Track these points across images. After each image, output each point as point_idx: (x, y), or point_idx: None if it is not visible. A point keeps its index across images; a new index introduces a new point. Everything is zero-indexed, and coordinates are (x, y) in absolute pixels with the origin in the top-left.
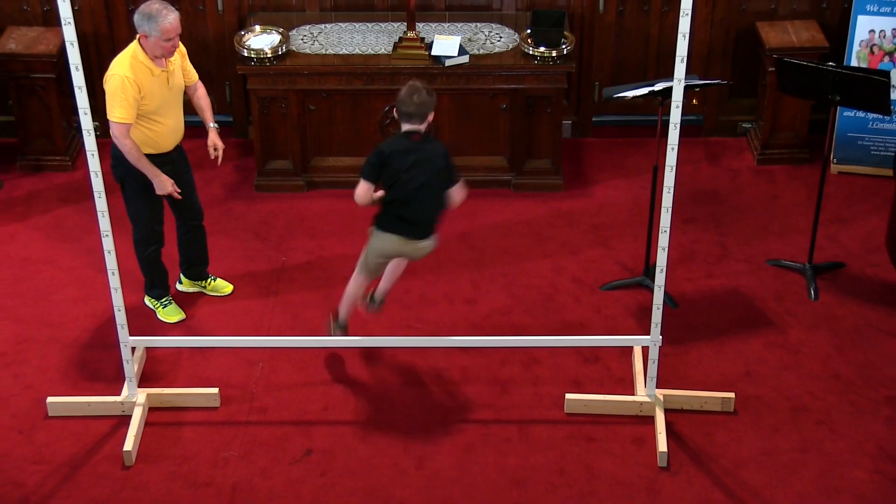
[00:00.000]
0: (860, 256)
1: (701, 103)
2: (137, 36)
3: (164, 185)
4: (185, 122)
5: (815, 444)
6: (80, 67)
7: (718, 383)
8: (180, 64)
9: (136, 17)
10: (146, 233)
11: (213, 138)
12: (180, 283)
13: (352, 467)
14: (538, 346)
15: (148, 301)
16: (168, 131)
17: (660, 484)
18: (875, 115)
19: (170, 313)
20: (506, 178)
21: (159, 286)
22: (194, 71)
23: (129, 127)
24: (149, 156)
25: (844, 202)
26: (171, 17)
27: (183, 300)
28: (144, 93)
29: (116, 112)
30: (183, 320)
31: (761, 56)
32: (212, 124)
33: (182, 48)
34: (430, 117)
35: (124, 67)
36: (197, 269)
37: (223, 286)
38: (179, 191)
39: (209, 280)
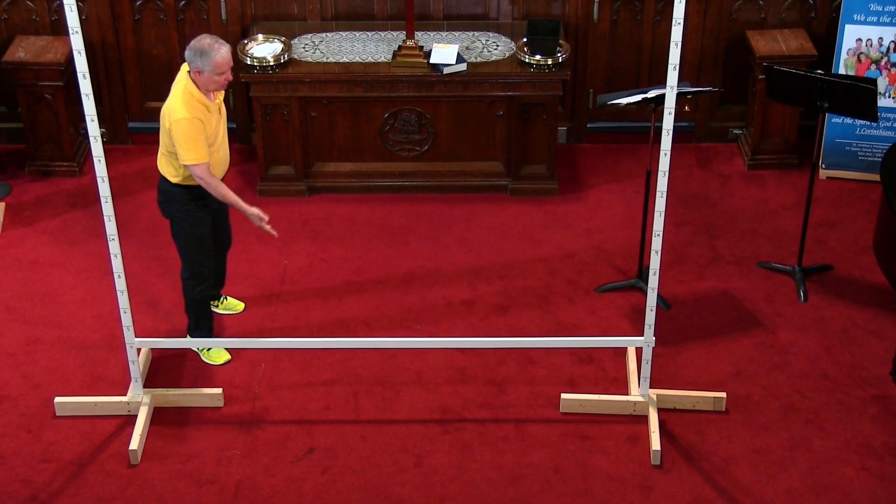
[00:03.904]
0: (848, 259)
1: (693, 110)
2: (188, 70)
3: (258, 215)
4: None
5: (804, 442)
6: (88, 75)
7: (710, 383)
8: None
9: (188, 54)
10: (194, 271)
11: None
12: None
13: (352, 465)
14: (534, 347)
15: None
16: (219, 161)
17: (653, 481)
18: (862, 122)
19: (215, 355)
20: (502, 183)
21: (204, 328)
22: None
23: (208, 165)
24: (196, 187)
25: (832, 206)
26: (224, 51)
27: None
28: (205, 127)
29: (192, 155)
30: (229, 361)
31: (751, 64)
32: None
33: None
34: None
35: (186, 109)
36: (213, 290)
37: (235, 304)
38: (272, 233)
39: (221, 299)
